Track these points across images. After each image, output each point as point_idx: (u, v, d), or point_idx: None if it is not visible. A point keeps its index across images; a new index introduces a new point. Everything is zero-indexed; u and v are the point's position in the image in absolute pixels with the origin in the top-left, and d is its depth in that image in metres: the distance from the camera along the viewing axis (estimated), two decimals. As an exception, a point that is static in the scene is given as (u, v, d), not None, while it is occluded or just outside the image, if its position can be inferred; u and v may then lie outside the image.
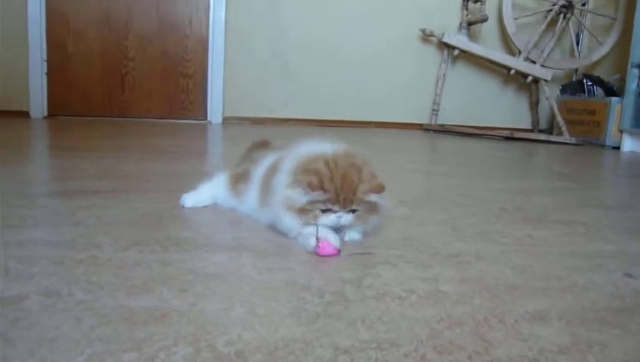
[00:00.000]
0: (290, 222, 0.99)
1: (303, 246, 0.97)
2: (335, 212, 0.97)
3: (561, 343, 0.64)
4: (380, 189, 0.98)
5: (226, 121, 3.92)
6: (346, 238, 1.02)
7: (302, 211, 0.97)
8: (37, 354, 0.56)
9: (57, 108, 3.69)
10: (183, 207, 1.25)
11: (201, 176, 1.34)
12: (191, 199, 1.26)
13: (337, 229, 0.99)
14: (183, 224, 1.13)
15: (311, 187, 0.93)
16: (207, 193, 1.28)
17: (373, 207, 1.01)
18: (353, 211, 0.98)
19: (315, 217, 0.97)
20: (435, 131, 4.00)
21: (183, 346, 0.59)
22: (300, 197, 0.95)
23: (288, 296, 0.75)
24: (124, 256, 0.89)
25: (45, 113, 3.65)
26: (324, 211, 0.97)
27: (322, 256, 0.92)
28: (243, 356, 0.58)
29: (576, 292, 0.83)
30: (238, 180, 1.22)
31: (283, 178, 0.99)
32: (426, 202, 1.50)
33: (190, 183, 1.31)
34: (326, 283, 0.81)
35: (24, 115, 3.58)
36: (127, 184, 1.52)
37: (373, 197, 0.99)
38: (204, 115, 3.91)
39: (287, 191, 0.97)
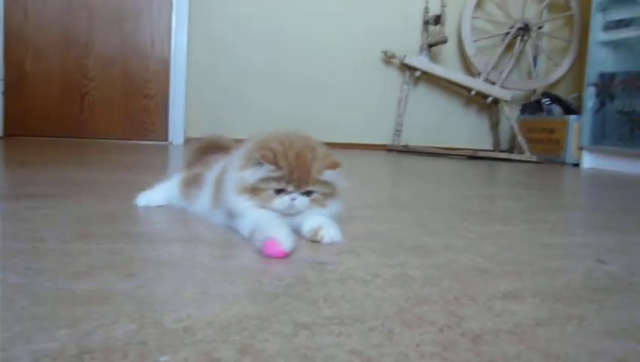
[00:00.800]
0: (242, 204, 0.92)
1: (255, 245, 0.87)
2: (289, 193, 0.91)
3: (538, 317, 0.61)
4: (334, 165, 0.93)
5: (188, 141, 3.85)
6: (325, 240, 0.92)
7: (254, 191, 0.91)
8: (-44, 331, 0.50)
9: (14, 127, 3.56)
10: (136, 205, 1.19)
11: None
12: (145, 198, 1.20)
13: (293, 215, 0.93)
14: (137, 221, 1.06)
15: (264, 159, 0.88)
16: (162, 193, 1.22)
17: (330, 190, 0.96)
18: (308, 194, 0.93)
19: (269, 198, 0.91)
20: (399, 151, 4.00)
21: (124, 323, 0.53)
22: (253, 174, 0.90)
23: (244, 279, 0.70)
24: (69, 246, 0.82)
25: (1, 133, 3.52)
26: (277, 192, 0.91)
27: (267, 255, 0.81)
28: (192, 331, 0.52)
29: (549, 275, 0.79)
30: (190, 184, 1.16)
31: (235, 162, 0.94)
32: (391, 205, 1.47)
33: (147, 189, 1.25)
34: (285, 269, 0.76)
35: (-22, 135, 3.45)
36: (81, 190, 1.45)
37: (328, 175, 0.93)
38: (165, 135, 3.83)
39: (240, 173, 0.92)
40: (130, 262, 0.75)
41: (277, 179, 0.90)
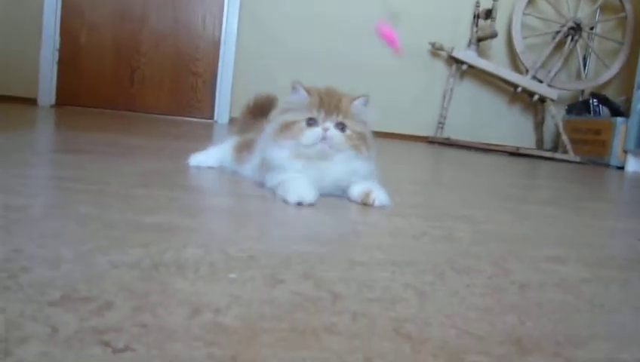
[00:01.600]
0: (277, 153, 0.93)
1: (282, 197, 0.89)
2: (321, 124, 0.91)
3: (582, 277, 0.62)
4: (364, 97, 0.97)
5: (233, 121, 3.91)
6: (377, 203, 0.93)
7: (287, 127, 0.92)
8: (40, 241, 0.54)
9: (65, 97, 3.68)
10: (188, 165, 1.23)
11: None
12: (197, 158, 1.25)
13: (329, 156, 0.92)
14: (190, 177, 1.11)
15: (296, 83, 0.94)
16: (214, 156, 1.26)
17: (363, 129, 0.96)
18: (342, 129, 0.92)
19: (300, 130, 0.91)
20: (441, 144, 3.99)
21: (192, 248, 0.57)
22: (285, 105, 0.96)
23: (300, 227, 0.73)
24: (131, 191, 0.87)
25: (53, 102, 3.64)
26: (309, 125, 0.91)
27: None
28: (256, 259, 0.56)
29: (592, 247, 0.81)
30: (242, 149, 1.20)
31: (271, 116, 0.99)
32: (435, 185, 1.48)
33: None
34: (338, 223, 0.79)
35: (31, 102, 3.57)
36: (133, 151, 1.50)
37: (359, 106, 0.96)
38: (210, 113, 3.90)
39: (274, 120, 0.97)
40: (190, 206, 0.80)
41: (308, 107, 0.92)
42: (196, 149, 1.29)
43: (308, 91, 0.93)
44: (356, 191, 0.96)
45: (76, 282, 0.44)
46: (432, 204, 1.07)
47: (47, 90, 3.60)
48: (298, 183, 0.89)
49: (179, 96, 3.86)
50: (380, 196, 0.94)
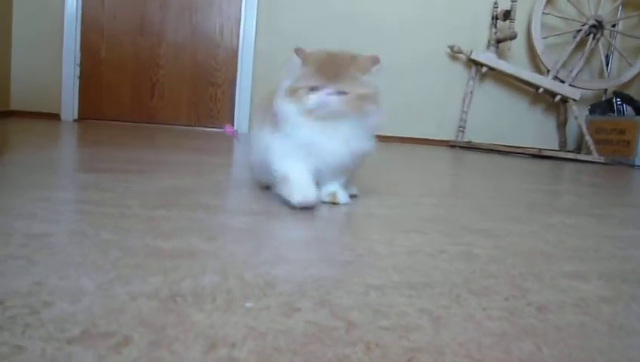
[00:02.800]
0: (286, 107, 0.99)
1: (286, 197, 1.01)
2: (322, 89, 0.95)
3: (603, 295, 0.62)
4: (374, 59, 0.99)
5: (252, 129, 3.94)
6: (342, 201, 1.08)
7: (293, 92, 0.98)
8: (61, 272, 0.56)
9: (87, 111, 3.75)
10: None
11: (228, 166, 1.33)
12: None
13: (333, 120, 0.97)
14: (211, 195, 1.12)
15: (296, 52, 0.99)
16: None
17: (369, 90, 0.98)
18: (341, 93, 0.96)
19: (303, 96, 0.96)
20: (462, 148, 3.96)
21: (210, 275, 0.58)
22: (289, 72, 1.00)
23: (317, 248, 0.74)
24: (152, 213, 0.89)
25: (75, 116, 3.71)
26: (312, 90, 0.96)
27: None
28: (272, 285, 0.56)
29: (615, 261, 0.80)
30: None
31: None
32: (454, 195, 1.48)
33: (218, 170, 1.31)
34: (355, 241, 0.79)
35: (55, 117, 3.64)
36: (155, 168, 1.52)
37: (361, 72, 0.98)
38: (231, 123, 3.93)
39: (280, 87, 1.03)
40: (209, 228, 0.80)
41: (307, 75, 0.97)
42: (216, 163, 1.31)
43: (305, 59, 0.99)
44: (324, 193, 1.09)
45: (96, 317, 0.45)
46: (452, 218, 1.07)
47: (69, 105, 3.66)
48: (301, 181, 0.99)
49: (198, 107, 3.90)
50: (342, 196, 1.09)
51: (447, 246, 0.80)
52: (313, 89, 0.96)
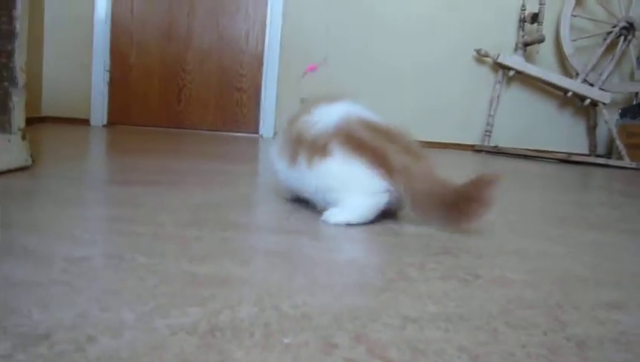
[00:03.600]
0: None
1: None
2: None
3: (642, 328, 0.61)
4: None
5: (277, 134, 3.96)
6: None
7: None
8: (102, 301, 0.57)
9: (116, 117, 3.80)
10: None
11: (253, 175, 1.34)
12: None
13: None
14: (241, 211, 1.13)
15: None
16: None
17: None
18: None
19: None
20: (488, 152, 3.93)
21: (247, 306, 0.58)
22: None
23: (350, 272, 0.74)
24: (184, 232, 0.90)
25: (105, 121, 3.77)
26: None
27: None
28: (308, 317, 0.56)
29: (653, 287, 0.78)
30: None
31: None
32: (483, 208, 1.46)
33: (245, 180, 1.31)
34: (387, 264, 0.79)
35: (84, 122, 3.71)
36: (185, 178, 1.54)
37: None
38: (256, 128, 3.95)
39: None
40: (241, 250, 0.81)
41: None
42: (242, 172, 1.31)
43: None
44: None
45: (139, 354, 0.46)
46: (481, 235, 1.06)
47: (99, 110, 3.72)
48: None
49: (224, 112, 3.93)
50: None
51: (480, 271, 0.79)
52: None
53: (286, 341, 0.51)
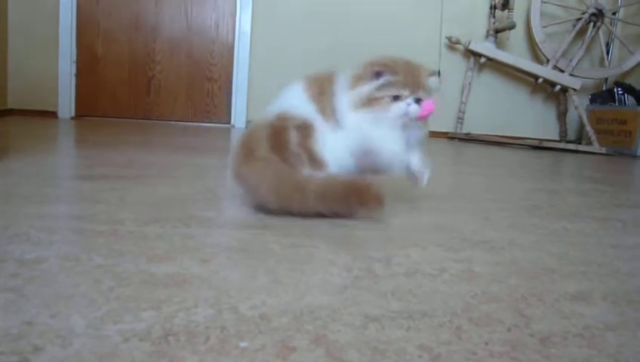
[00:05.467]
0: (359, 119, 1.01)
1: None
2: (404, 99, 1.00)
3: (608, 321, 0.60)
4: (433, 72, 1.06)
5: (250, 124, 3.91)
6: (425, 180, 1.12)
7: (371, 102, 1.00)
8: (53, 308, 0.54)
9: (84, 108, 3.72)
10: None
11: (223, 168, 1.32)
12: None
13: (407, 127, 1.03)
14: (206, 206, 1.10)
15: (384, 67, 1.00)
16: None
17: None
18: (418, 101, 1.01)
19: (386, 105, 1.00)
20: (461, 140, 3.94)
21: (204, 308, 0.57)
22: (370, 85, 1.00)
23: (314, 269, 0.72)
24: (145, 229, 0.87)
25: (73, 113, 3.68)
26: (394, 99, 1.00)
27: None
28: (267, 318, 0.55)
29: (619, 277, 0.78)
30: None
31: (342, 86, 1.05)
32: (455, 197, 1.46)
33: (213, 174, 1.29)
34: (353, 260, 0.77)
35: (52, 115, 3.62)
36: (151, 172, 1.50)
37: (432, 81, 1.04)
38: (227, 118, 3.91)
39: (353, 91, 1.02)
40: (203, 247, 0.79)
41: (394, 84, 1.00)
42: (211, 165, 1.29)
43: (394, 70, 1.00)
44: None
45: (84, 366, 0.44)
46: (451, 225, 1.05)
47: (66, 102, 3.64)
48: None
49: (195, 103, 3.87)
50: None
51: (447, 264, 0.78)
52: (396, 98, 1.00)
53: (242, 345, 0.49)
